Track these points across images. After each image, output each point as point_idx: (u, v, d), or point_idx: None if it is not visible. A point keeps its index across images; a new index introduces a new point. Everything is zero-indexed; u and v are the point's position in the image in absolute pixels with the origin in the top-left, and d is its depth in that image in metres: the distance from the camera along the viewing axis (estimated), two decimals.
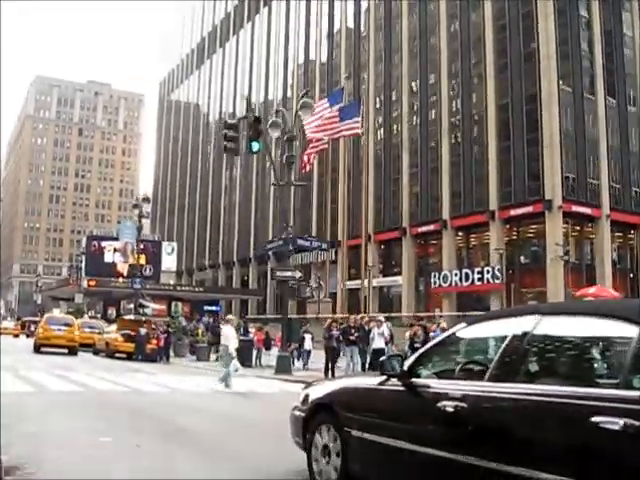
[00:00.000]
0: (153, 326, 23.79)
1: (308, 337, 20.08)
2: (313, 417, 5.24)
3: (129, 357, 23.84)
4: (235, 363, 13.56)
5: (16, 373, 14.41)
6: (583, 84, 41.68)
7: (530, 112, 40.86)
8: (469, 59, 45.62)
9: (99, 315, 59.17)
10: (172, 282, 68.45)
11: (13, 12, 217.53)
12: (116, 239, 66.38)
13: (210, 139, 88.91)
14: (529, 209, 40.18)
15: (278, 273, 18.29)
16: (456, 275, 44.06)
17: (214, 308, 66.64)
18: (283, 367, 16.70)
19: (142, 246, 33.47)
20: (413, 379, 4.28)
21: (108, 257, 59.53)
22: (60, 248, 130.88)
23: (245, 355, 19.06)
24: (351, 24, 59.24)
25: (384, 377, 4.53)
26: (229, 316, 15.62)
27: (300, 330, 21.23)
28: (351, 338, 14.84)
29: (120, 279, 59.89)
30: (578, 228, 41.81)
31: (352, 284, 56.53)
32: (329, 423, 4.98)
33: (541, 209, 39.17)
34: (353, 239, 56.11)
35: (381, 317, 17.08)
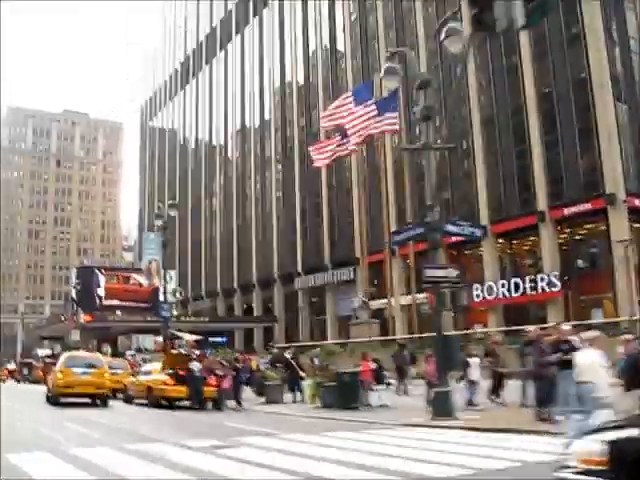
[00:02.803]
0: (221, 361, 18.62)
1: (475, 363, 14.44)
2: None
3: (170, 405, 18.35)
4: (607, 415, 7.46)
5: (63, 453, 8.61)
6: (634, 66, 37.95)
7: (579, 100, 36.81)
8: (500, 46, 41.57)
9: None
10: (175, 312, 63.09)
11: None
12: (110, 269, 61.13)
13: (200, 163, 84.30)
14: (587, 206, 35.83)
15: (428, 273, 13.17)
16: (503, 286, 39.49)
17: (220, 339, 61.30)
18: (443, 408, 11.63)
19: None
20: None
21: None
22: (41, 285, 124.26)
23: (350, 393, 14.11)
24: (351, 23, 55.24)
25: None
26: (589, 333, 9.07)
27: (461, 353, 15.32)
28: (567, 358, 9.63)
29: (118, 312, 54.64)
30: (638, 225, 37.60)
31: (373, 305, 51.81)
32: None
33: (602, 205, 34.88)
34: (373, 254, 51.73)
35: (568, 326, 11.69)
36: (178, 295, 21.79)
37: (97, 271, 57.22)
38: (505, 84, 41.22)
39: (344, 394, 14.41)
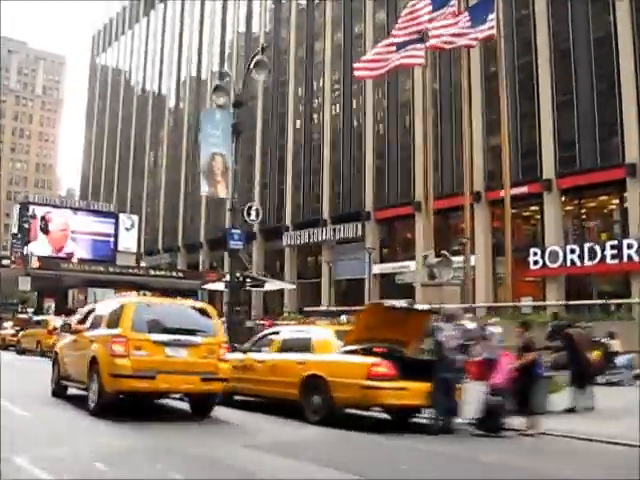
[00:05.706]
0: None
1: None
2: None
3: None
4: None
5: None
6: None
7: None
8: None
9: (31, 310, 44.34)
10: (142, 265, 53.97)
11: None
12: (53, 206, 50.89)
13: (162, 107, 74.30)
14: None
15: None
16: (573, 252, 32.70)
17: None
18: None
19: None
20: None
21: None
22: None
23: None
24: None
25: None
26: None
27: None
28: None
29: (74, 260, 45.13)
30: None
31: (386, 268, 44.62)
32: None
33: None
34: (385, 209, 44.70)
35: None
36: (254, 216, 13.20)
37: (49, 207, 47.24)
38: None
39: None
